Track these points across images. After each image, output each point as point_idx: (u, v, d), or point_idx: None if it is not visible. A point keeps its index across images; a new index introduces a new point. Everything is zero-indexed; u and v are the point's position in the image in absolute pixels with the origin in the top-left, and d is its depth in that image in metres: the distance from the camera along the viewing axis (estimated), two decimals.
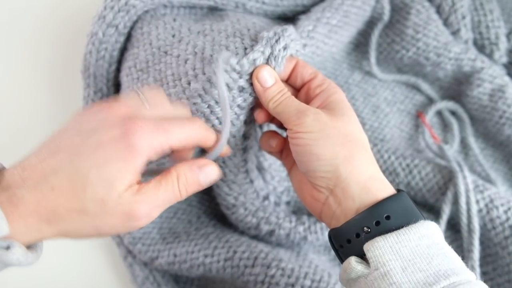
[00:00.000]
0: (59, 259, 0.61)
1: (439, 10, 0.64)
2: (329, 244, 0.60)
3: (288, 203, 0.58)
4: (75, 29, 0.66)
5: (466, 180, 0.56)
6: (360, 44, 0.67)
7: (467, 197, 0.55)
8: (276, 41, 0.43)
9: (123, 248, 0.58)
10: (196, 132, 0.39)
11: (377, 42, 0.66)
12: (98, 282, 0.61)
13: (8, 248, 0.31)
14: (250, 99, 0.45)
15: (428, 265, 0.34)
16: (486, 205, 0.55)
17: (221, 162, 0.52)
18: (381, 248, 0.35)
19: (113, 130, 0.35)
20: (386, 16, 0.64)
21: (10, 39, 0.66)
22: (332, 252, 0.59)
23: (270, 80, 0.43)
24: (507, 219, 0.54)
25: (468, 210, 0.55)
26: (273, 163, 0.55)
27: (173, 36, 0.51)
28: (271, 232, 0.54)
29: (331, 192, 0.40)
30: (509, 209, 0.54)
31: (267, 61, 0.43)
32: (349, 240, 0.38)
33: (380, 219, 0.37)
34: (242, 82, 0.43)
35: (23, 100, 0.65)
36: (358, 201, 0.38)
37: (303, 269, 0.50)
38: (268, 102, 0.43)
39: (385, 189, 0.39)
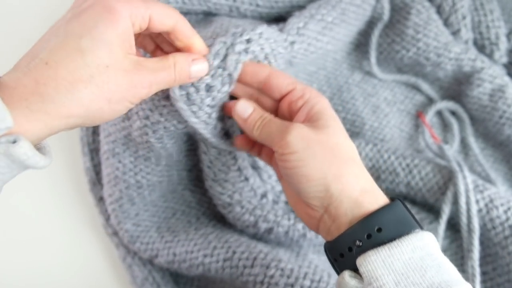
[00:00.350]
0: (58, 261, 0.61)
1: (439, 10, 0.64)
2: None
3: (287, 202, 0.57)
4: None
5: (466, 180, 0.56)
6: (360, 44, 0.67)
7: (467, 197, 0.55)
8: (240, 34, 0.43)
9: (122, 249, 0.58)
10: (174, 12, 0.39)
11: (377, 42, 0.66)
12: (98, 283, 0.61)
13: (14, 142, 0.30)
14: (219, 96, 0.44)
15: (421, 278, 0.33)
16: (486, 205, 0.55)
17: (209, 162, 0.52)
18: (373, 262, 0.34)
19: (85, 2, 0.35)
20: (386, 16, 0.64)
21: (10, 40, 0.66)
22: None
23: (248, 109, 0.43)
24: (507, 219, 0.54)
25: (468, 210, 0.55)
26: None
27: None
28: (269, 230, 0.54)
29: (325, 210, 0.39)
30: (509, 209, 0.54)
31: (227, 50, 0.42)
32: (342, 254, 0.37)
33: (371, 232, 0.36)
34: (208, 79, 0.42)
35: None
36: (350, 215, 0.37)
37: (302, 269, 0.50)
38: (252, 131, 0.42)
39: (377, 201, 0.38)
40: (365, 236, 0.36)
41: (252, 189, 0.54)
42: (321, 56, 0.62)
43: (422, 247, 0.35)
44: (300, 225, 0.54)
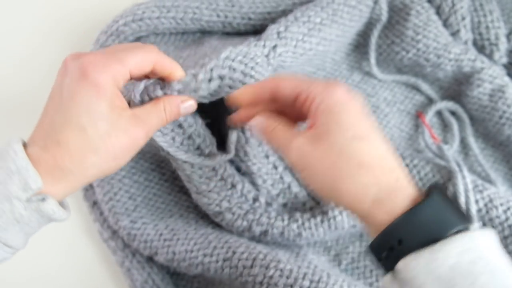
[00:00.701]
0: (57, 267, 0.61)
1: (439, 11, 0.64)
2: (328, 244, 0.60)
3: (285, 205, 0.57)
4: (78, 44, 0.67)
5: (465, 180, 0.55)
6: (359, 45, 0.67)
7: (466, 197, 0.55)
8: (209, 68, 0.44)
9: (119, 254, 0.58)
10: (150, 55, 0.41)
11: (377, 43, 0.66)
12: None
13: (43, 200, 0.36)
14: (182, 131, 0.46)
15: (471, 286, 0.30)
16: (486, 205, 0.55)
17: (185, 176, 0.53)
18: (413, 269, 0.31)
19: (72, 74, 0.38)
20: (384, 17, 0.63)
21: (12, 52, 0.67)
22: (332, 252, 0.59)
23: (261, 121, 0.43)
24: (507, 218, 0.54)
25: (468, 210, 0.55)
26: (263, 167, 0.55)
27: None
28: (264, 233, 0.54)
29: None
30: (508, 208, 0.54)
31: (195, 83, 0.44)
32: (380, 258, 0.35)
33: (393, 244, 0.34)
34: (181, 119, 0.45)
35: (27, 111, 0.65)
36: (374, 226, 0.36)
37: (301, 270, 0.50)
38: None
39: (397, 206, 0.34)
40: (397, 243, 0.33)
41: (242, 195, 0.54)
42: (319, 57, 0.62)
43: (474, 249, 0.31)
44: (294, 225, 0.53)
